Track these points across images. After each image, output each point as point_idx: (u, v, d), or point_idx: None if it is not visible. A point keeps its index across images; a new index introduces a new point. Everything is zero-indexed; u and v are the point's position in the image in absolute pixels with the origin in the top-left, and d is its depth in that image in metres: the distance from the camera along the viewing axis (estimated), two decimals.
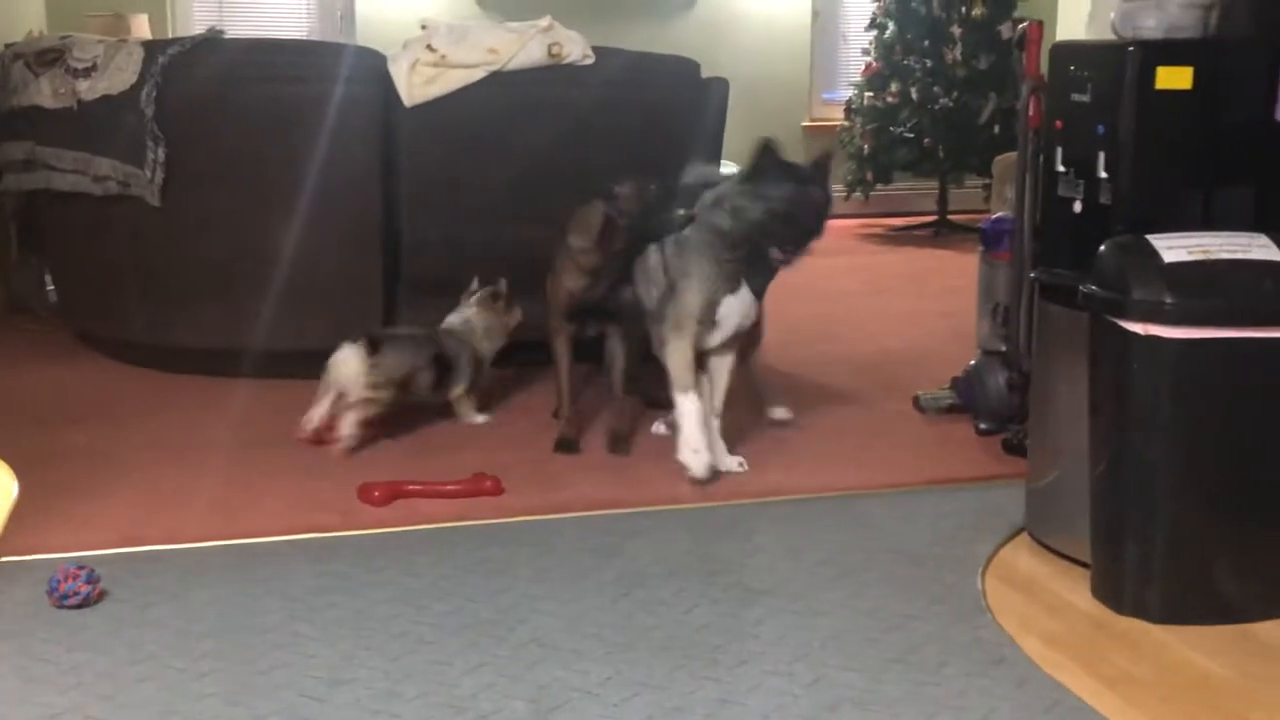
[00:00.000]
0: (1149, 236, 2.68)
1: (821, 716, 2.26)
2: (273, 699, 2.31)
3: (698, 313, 3.43)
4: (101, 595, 2.69)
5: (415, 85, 4.24)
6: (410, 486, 3.33)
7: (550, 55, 4.34)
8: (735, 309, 3.47)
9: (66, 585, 2.64)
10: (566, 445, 3.69)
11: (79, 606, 2.64)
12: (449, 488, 3.34)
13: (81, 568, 2.67)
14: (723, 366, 3.58)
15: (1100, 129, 2.88)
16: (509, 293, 4.03)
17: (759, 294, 3.54)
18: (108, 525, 3.10)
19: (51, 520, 3.04)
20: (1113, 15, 3.02)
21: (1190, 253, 2.63)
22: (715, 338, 3.49)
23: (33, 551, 2.83)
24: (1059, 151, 3.03)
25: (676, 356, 3.45)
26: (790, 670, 2.42)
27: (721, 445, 3.55)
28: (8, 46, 4.99)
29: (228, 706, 2.28)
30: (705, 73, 4.66)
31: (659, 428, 3.77)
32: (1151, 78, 2.82)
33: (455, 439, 3.78)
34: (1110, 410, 2.70)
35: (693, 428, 3.42)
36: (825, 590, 2.78)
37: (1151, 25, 2.90)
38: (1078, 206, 2.96)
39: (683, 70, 4.62)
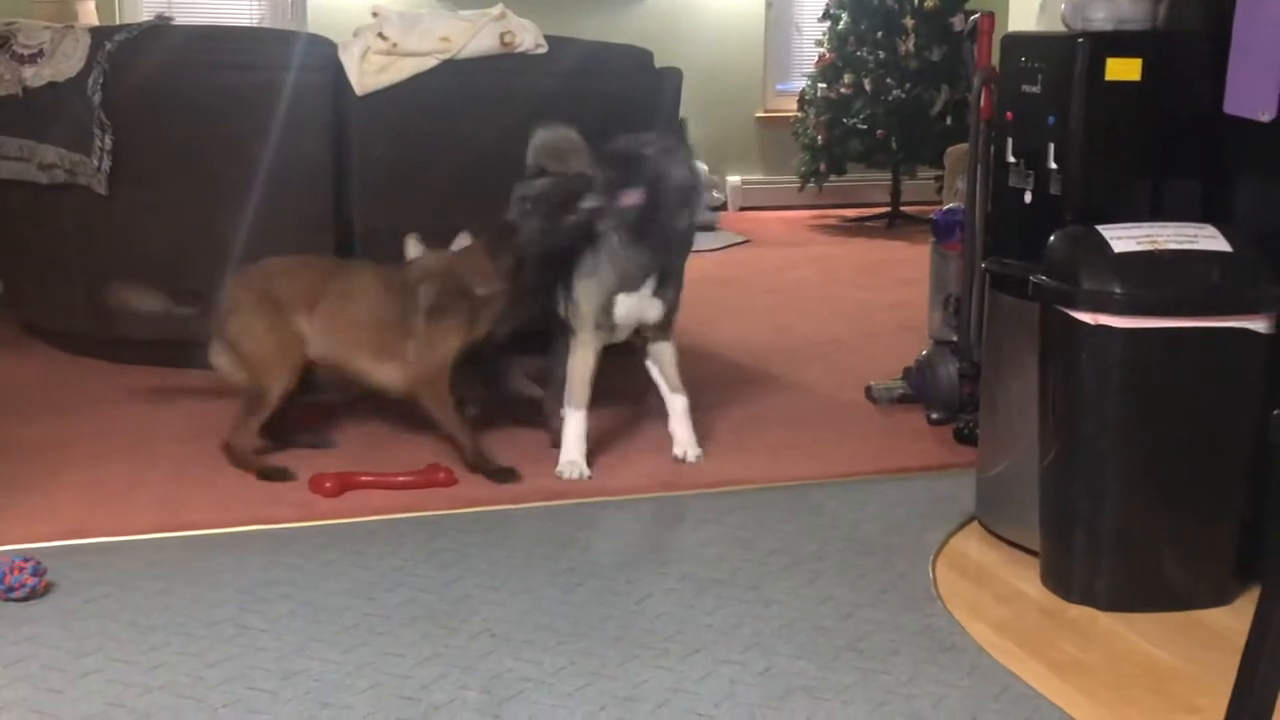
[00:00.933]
0: (1098, 227, 2.70)
1: (773, 705, 2.27)
2: (223, 691, 2.29)
3: (593, 316, 3.42)
4: (48, 588, 2.66)
5: (367, 73, 4.21)
6: (363, 477, 3.31)
7: (503, 44, 4.31)
8: (632, 308, 3.45)
9: (12, 578, 2.61)
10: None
11: (25, 599, 2.61)
12: (401, 479, 3.32)
13: (27, 560, 2.65)
14: (664, 351, 3.56)
15: (1050, 120, 2.90)
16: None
17: (666, 291, 3.49)
18: (54, 517, 3.07)
19: None
20: (1063, 7, 3.04)
21: (1139, 243, 2.65)
22: (618, 335, 3.50)
23: None
24: (1010, 142, 3.05)
25: (576, 364, 3.44)
26: (742, 659, 2.43)
27: (690, 435, 3.55)
28: None
29: (177, 699, 2.26)
30: (659, 63, 4.65)
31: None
32: (1101, 69, 2.84)
33: (408, 430, 3.76)
34: (1060, 399, 2.72)
35: (573, 441, 3.41)
36: (777, 579, 2.78)
37: (1101, 17, 2.92)
38: (1028, 197, 2.98)
39: (636, 60, 4.60)
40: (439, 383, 3.45)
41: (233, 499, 3.21)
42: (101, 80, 4.10)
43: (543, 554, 2.91)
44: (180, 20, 5.00)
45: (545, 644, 2.48)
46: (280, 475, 3.34)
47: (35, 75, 4.25)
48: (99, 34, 4.25)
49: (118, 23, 6.46)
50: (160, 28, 4.35)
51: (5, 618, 2.54)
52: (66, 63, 4.19)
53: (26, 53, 4.32)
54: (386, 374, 3.49)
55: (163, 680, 2.33)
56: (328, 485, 3.25)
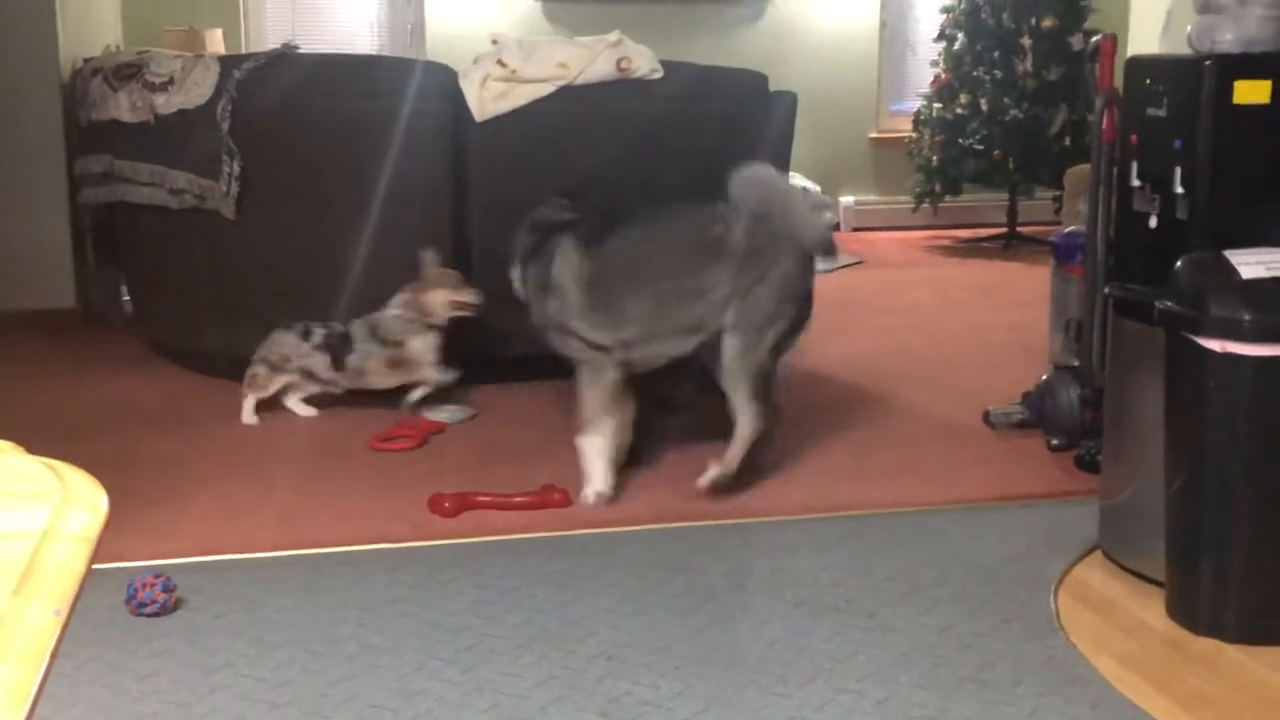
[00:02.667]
0: (1226, 252, 2.65)
1: None
2: (346, 710, 2.33)
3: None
4: (178, 604, 2.73)
5: (486, 100, 4.27)
6: (480, 498, 3.35)
7: (619, 69, 4.35)
8: None
9: (144, 594, 2.68)
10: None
11: (156, 615, 2.68)
12: (518, 499, 3.35)
13: (158, 576, 2.72)
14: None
15: (1177, 143, 2.86)
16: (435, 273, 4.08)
17: None
18: (183, 534, 3.15)
19: (128, 529, 3.09)
20: (1188, 28, 2.99)
21: (1269, 269, 2.60)
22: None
23: (110, 560, 2.88)
24: (1134, 166, 3.00)
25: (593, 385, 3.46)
26: (860, 688, 2.41)
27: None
28: (86, 62, 5.08)
29: (303, 716, 2.31)
30: (773, 85, 4.66)
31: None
32: (1229, 92, 2.79)
33: (523, 449, 3.80)
34: (1186, 427, 2.67)
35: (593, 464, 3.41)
36: (895, 607, 2.76)
37: (1229, 39, 2.87)
38: (1153, 221, 2.94)
39: (750, 83, 4.62)
40: None
41: (354, 517, 3.27)
42: (230, 108, 4.21)
43: (657, 577, 2.91)
44: (305, 49, 5.12)
45: (662, 668, 2.49)
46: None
47: (166, 103, 4.38)
48: (227, 63, 4.36)
49: (245, 51, 6.63)
50: (286, 56, 4.46)
51: (137, 633, 2.61)
52: (196, 90, 4.31)
53: (158, 81, 4.45)
54: None
55: (288, 697, 2.37)
56: (446, 505, 3.30)
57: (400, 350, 4.07)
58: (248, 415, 4.08)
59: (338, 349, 4.07)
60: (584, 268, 3.47)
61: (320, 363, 4.08)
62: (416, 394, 4.08)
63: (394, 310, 4.09)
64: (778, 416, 3.59)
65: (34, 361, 4.88)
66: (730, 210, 3.41)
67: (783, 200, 3.49)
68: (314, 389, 4.14)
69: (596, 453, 3.41)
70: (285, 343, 4.09)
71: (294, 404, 4.16)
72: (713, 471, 3.36)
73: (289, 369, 4.09)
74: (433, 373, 4.08)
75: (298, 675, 2.45)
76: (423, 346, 4.07)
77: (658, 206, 3.55)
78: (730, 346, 3.38)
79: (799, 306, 3.43)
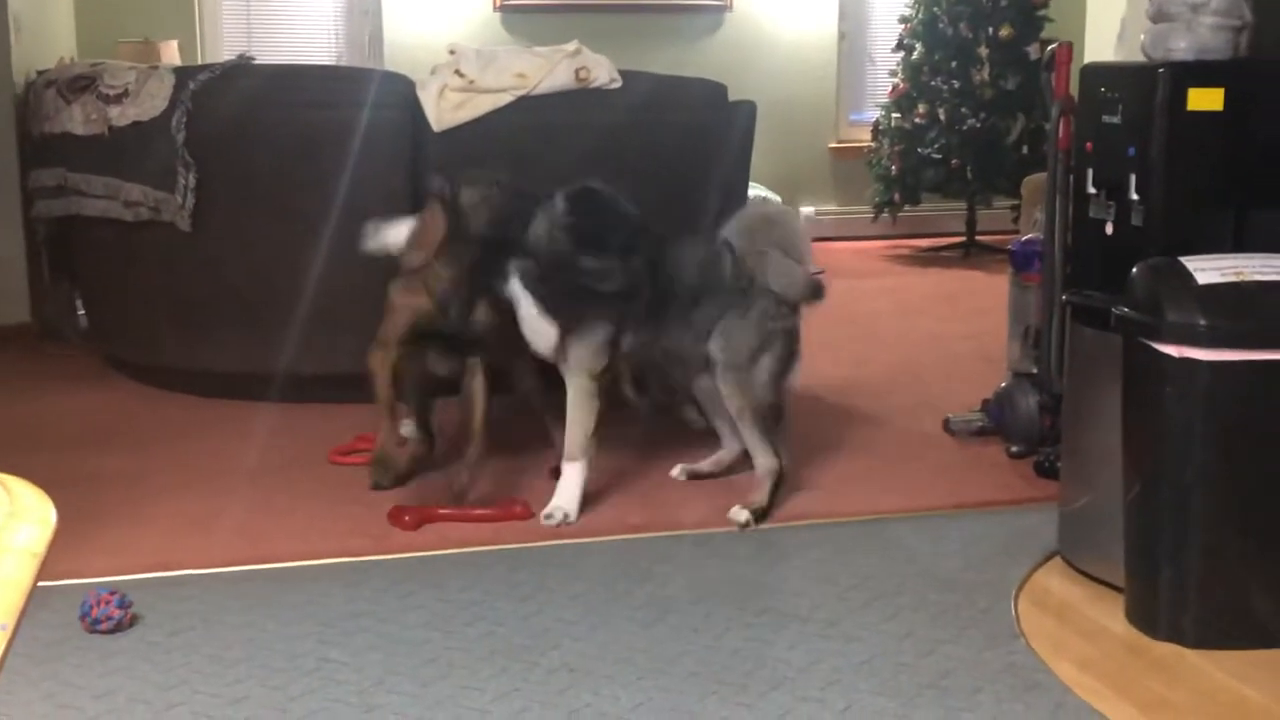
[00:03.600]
0: (1182, 258, 2.67)
1: None
2: None
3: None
4: (133, 620, 2.70)
5: (444, 110, 4.26)
6: (440, 510, 3.33)
7: (578, 79, 4.35)
8: None
9: (99, 610, 2.64)
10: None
11: (111, 631, 2.65)
12: (478, 512, 3.34)
13: (113, 593, 2.68)
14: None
15: (1131, 150, 2.88)
16: None
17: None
18: (139, 550, 3.11)
19: (83, 545, 3.05)
20: (1143, 37, 3.02)
21: (1224, 274, 2.61)
22: None
23: (65, 576, 2.83)
24: (1090, 173, 3.02)
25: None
26: (822, 696, 2.41)
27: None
28: (40, 74, 5.04)
29: None
30: (732, 95, 4.66)
31: (677, 473, 3.62)
32: (1183, 99, 2.82)
33: (484, 462, 3.77)
34: (1144, 433, 2.68)
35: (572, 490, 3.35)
36: (857, 615, 2.76)
37: (1183, 47, 2.89)
38: (1109, 228, 2.96)
39: (710, 93, 4.62)
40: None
41: (312, 531, 3.24)
42: (185, 119, 4.18)
43: (620, 588, 2.90)
44: (261, 60, 5.08)
45: (624, 679, 2.47)
46: None
47: (121, 115, 4.34)
48: (183, 74, 4.33)
49: (200, 63, 6.58)
50: (242, 67, 4.43)
51: (93, 650, 2.58)
52: (151, 102, 4.28)
53: (112, 93, 4.41)
54: None
55: (246, 713, 2.35)
56: (406, 519, 3.28)
57: None
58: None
59: None
60: None
61: None
62: None
63: None
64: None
65: None
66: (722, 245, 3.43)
67: (764, 254, 3.43)
68: None
69: (579, 479, 3.35)
70: None
71: None
72: (743, 513, 3.31)
73: None
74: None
75: (256, 690, 2.43)
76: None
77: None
78: (724, 388, 3.40)
79: (785, 343, 3.44)
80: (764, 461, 3.40)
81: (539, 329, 3.32)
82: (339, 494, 3.50)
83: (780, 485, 3.39)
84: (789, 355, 3.46)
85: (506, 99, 4.30)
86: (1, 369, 4.92)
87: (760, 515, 3.32)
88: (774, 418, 3.42)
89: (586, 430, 3.34)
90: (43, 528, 1.02)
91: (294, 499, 3.47)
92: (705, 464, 3.65)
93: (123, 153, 4.36)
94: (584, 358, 3.34)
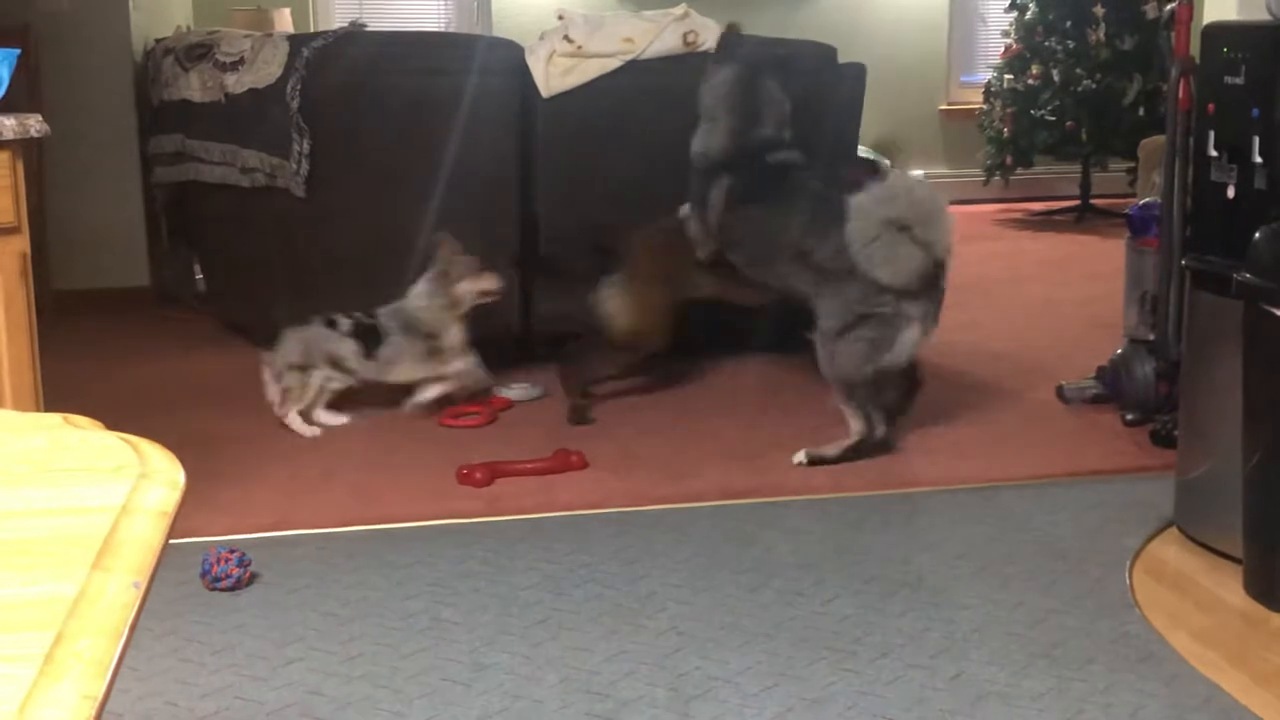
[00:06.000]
0: None
1: (965, 711, 2.23)
2: (418, 682, 2.35)
3: None
4: (252, 578, 2.76)
5: (553, 75, 4.27)
6: (506, 466, 3.40)
7: (685, 43, 4.33)
8: None
9: (219, 568, 2.71)
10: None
11: (231, 589, 2.72)
12: (535, 464, 3.43)
13: (233, 551, 2.75)
14: None
15: (1255, 112, 2.80)
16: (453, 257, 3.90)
17: None
18: (256, 509, 3.18)
19: (203, 505, 3.13)
20: None
21: None
22: None
23: (186, 535, 2.92)
24: (1211, 135, 2.95)
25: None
26: (931, 664, 2.40)
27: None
28: (158, 42, 5.15)
29: (374, 689, 2.33)
30: (841, 57, 4.61)
31: (799, 458, 3.51)
32: None
33: (591, 426, 3.80)
34: (1264, 401, 2.62)
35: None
36: (966, 584, 2.74)
37: None
38: (1231, 192, 2.88)
39: (819, 55, 4.58)
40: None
41: (425, 493, 3.29)
42: (299, 86, 4.23)
43: (727, 553, 2.91)
44: (372, 27, 5.14)
45: (731, 643, 2.48)
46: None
47: (237, 82, 4.41)
48: (296, 41, 4.39)
49: (313, 30, 6.67)
50: (354, 34, 4.48)
51: (213, 607, 2.65)
52: (266, 69, 4.34)
53: (228, 60, 4.49)
54: None
55: (361, 670, 2.40)
56: (478, 476, 3.33)
57: (436, 341, 3.87)
58: (302, 428, 3.79)
59: (365, 339, 3.82)
60: None
61: (349, 350, 3.81)
62: (431, 392, 3.87)
63: (422, 300, 3.89)
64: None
65: (109, 340, 4.95)
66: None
67: (877, 238, 3.40)
68: (337, 385, 3.86)
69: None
70: (304, 336, 3.83)
71: (323, 416, 3.86)
72: (803, 454, 3.45)
73: (316, 362, 3.81)
74: (463, 365, 3.89)
75: (370, 648, 2.48)
76: (458, 337, 3.88)
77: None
78: (818, 352, 3.53)
79: (880, 327, 3.44)
80: (852, 424, 3.49)
81: None
82: (450, 456, 3.54)
83: (860, 452, 3.47)
84: (884, 339, 3.45)
85: (614, 64, 4.30)
86: (121, 332, 5.05)
87: (818, 462, 3.44)
88: (860, 395, 3.47)
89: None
90: (172, 489, 1.04)
91: (406, 461, 3.52)
92: (830, 447, 3.52)
93: (239, 119, 4.44)
94: None
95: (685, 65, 4.34)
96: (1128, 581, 2.75)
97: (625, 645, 2.48)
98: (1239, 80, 2.86)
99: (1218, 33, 2.98)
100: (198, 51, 4.66)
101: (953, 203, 3.55)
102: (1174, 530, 2.99)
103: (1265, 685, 2.34)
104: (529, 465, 3.42)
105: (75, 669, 0.79)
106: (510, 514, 3.15)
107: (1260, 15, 2.96)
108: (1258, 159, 2.79)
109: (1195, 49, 3.16)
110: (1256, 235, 2.65)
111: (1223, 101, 2.93)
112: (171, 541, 1.02)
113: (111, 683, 0.80)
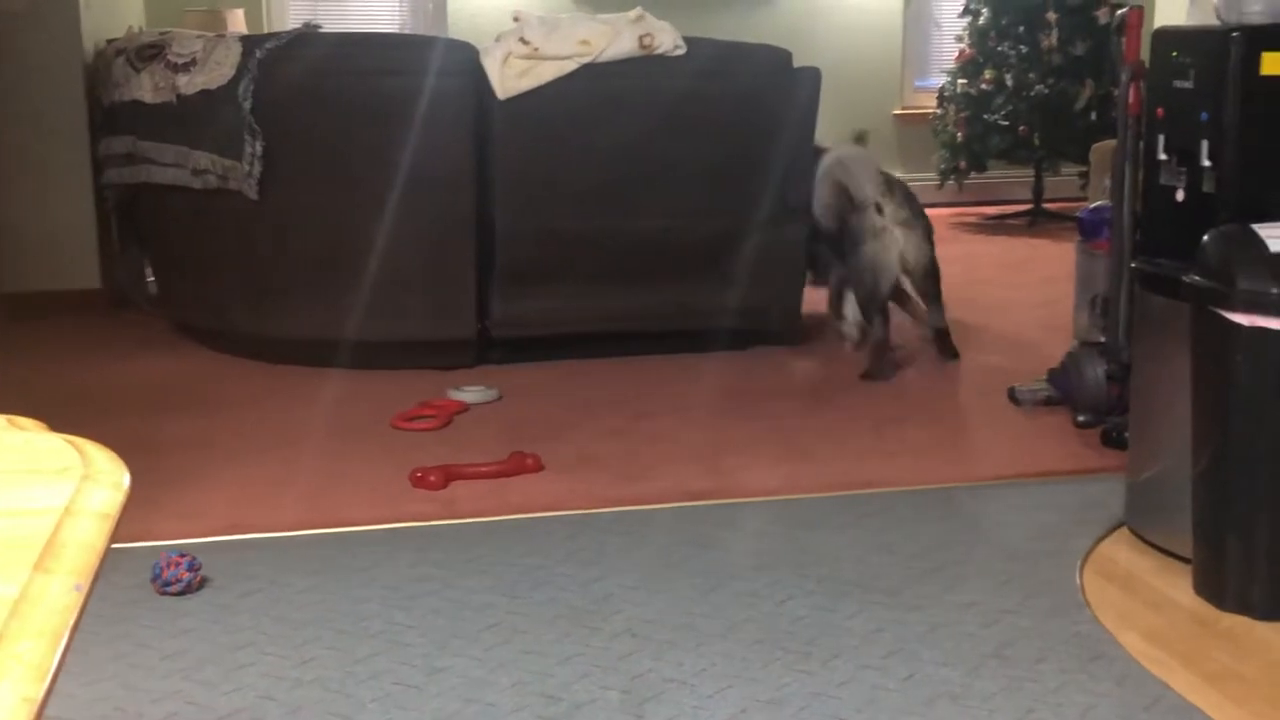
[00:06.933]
0: (1254, 225, 2.62)
1: (917, 711, 2.24)
2: (371, 686, 2.33)
3: None
4: (203, 583, 2.74)
5: (508, 77, 4.26)
6: (462, 468, 3.39)
7: (641, 46, 4.34)
8: None
9: (169, 572, 2.69)
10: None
11: (181, 594, 2.69)
12: (492, 467, 3.42)
13: (183, 555, 2.73)
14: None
15: (1204, 116, 2.83)
16: None
17: None
18: (209, 513, 3.16)
19: (153, 508, 3.10)
20: (1216, 0, 2.96)
21: None
22: None
23: (136, 539, 2.88)
24: (1160, 139, 2.98)
25: None
26: (884, 664, 2.41)
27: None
28: (109, 43, 5.10)
29: (326, 693, 2.31)
30: (796, 62, 4.63)
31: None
32: (1257, 63, 2.76)
33: (548, 429, 3.80)
34: (1214, 403, 2.65)
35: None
36: (919, 584, 2.75)
37: (1258, 10, 2.83)
38: (1180, 195, 2.91)
39: (774, 59, 4.59)
40: None
41: (378, 496, 3.28)
42: (252, 87, 4.21)
43: (683, 555, 2.91)
44: (326, 28, 5.12)
45: (686, 645, 2.48)
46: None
47: (189, 83, 4.38)
48: (249, 42, 4.37)
49: (267, 31, 6.63)
50: (308, 35, 4.46)
51: (162, 611, 2.62)
52: (218, 70, 4.31)
53: (180, 61, 4.46)
54: None
55: (313, 674, 2.38)
56: (432, 479, 3.32)
57: None
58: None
59: None
60: None
61: None
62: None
63: None
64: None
65: (59, 342, 4.90)
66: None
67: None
68: None
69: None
70: None
71: None
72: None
73: None
74: None
75: (322, 653, 2.46)
76: None
77: None
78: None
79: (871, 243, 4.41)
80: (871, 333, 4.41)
81: None
82: (405, 459, 3.52)
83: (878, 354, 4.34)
84: (879, 253, 4.43)
85: (571, 66, 4.30)
86: (73, 335, 5.00)
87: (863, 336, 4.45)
88: (868, 303, 4.42)
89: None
90: (116, 491, 1.03)
91: (360, 464, 3.51)
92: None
93: (191, 121, 4.41)
94: None
95: (641, 68, 4.35)
96: (1079, 582, 2.77)
97: (580, 648, 2.48)
98: (1188, 84, 2.89)
99: (1167, 37, 3.00)
100: (149, 52, 4.62)
101: None
102: (1124, 531, 3.02)
103: (1214, 685, 2.36)
104: (484, 468, 3.41)
105: (15, 671, 0.78)
106: (465, 517, 3.14)
107: (1210, 20, 2.99)
108: (1206, 162, 2.82)
109: (1146, 54, 3.19)
110: (1205, 238, 2.68)
111: (1172, 106, 2.95)
112: (121, 545, 1.01)
113: (51, 685, 0.79)
